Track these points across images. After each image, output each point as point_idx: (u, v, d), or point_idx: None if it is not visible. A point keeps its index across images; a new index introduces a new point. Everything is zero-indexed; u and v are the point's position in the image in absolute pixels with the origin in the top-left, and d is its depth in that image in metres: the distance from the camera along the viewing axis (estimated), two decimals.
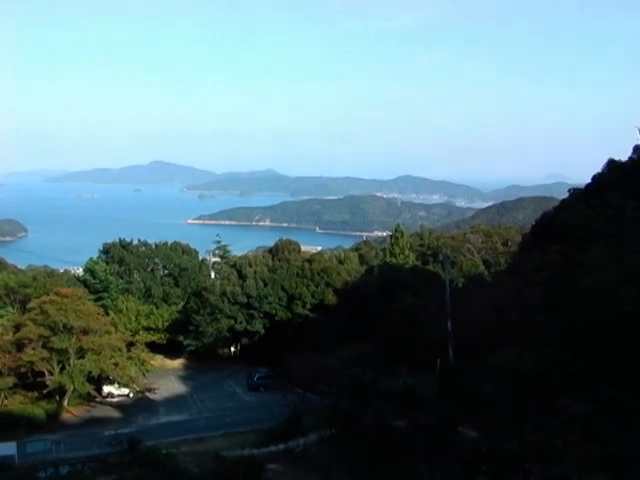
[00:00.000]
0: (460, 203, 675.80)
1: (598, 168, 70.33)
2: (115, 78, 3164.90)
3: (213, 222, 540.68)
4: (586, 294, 39.62)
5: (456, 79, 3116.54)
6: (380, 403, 46.14)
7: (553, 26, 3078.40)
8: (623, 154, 68.17)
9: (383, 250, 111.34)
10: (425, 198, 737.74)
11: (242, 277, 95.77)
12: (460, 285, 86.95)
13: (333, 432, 49.03)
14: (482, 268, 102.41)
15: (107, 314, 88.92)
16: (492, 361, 42.19)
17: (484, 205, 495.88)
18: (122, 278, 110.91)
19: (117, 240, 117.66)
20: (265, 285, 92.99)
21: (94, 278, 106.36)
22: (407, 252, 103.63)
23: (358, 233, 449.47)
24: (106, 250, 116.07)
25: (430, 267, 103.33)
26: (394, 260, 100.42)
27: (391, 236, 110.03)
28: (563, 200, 77.06)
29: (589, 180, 72.28)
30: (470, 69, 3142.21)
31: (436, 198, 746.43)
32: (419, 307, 67.62)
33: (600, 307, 37.98)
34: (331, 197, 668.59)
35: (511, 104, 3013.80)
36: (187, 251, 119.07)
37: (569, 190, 75.88)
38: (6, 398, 72.85)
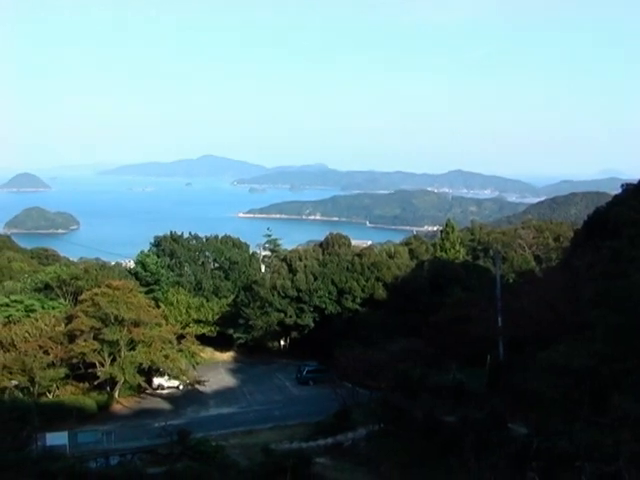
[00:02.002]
0: (511, 198, 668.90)
1: None
2: (167, 73, 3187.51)
3: (263, 216, 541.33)
4: (639, 290, 39.15)
5: (507, 74, 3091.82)
6: (429, 398, 46.05)
7: (606, 19, 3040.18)
8: None
9: (433, 245, 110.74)
10: (476, 193, 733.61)
11: (292, 271, 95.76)
12: (511, 281, 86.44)
13: (382, 427, 49.06)
14: (533, 264, 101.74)
15: (158, 306, 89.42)
16: (543, 357, 41.85)
17: (536, 200, 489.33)
18: (173, 271, 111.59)
19: (168, 233, 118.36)
20: (315, 279, 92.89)
21: (145, 271, 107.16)
22: (458, 247, 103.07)
23: (408, 228, 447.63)
24: (157, 243, 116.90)
25: (481, 262, 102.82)
26: (444, 255, 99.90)
27: (442, 231, 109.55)
28: (616, 196, 76.33)
29: None
30: (521, 63, 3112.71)
31: (487, 193, 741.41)
32: (469, 302, 67.12)
33: None
34: (382, 191, 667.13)
35: (564, 98, 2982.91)
36: (238, 244, 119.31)
37: (622, 185, 75.06)
38: (58, 389, 73.52)
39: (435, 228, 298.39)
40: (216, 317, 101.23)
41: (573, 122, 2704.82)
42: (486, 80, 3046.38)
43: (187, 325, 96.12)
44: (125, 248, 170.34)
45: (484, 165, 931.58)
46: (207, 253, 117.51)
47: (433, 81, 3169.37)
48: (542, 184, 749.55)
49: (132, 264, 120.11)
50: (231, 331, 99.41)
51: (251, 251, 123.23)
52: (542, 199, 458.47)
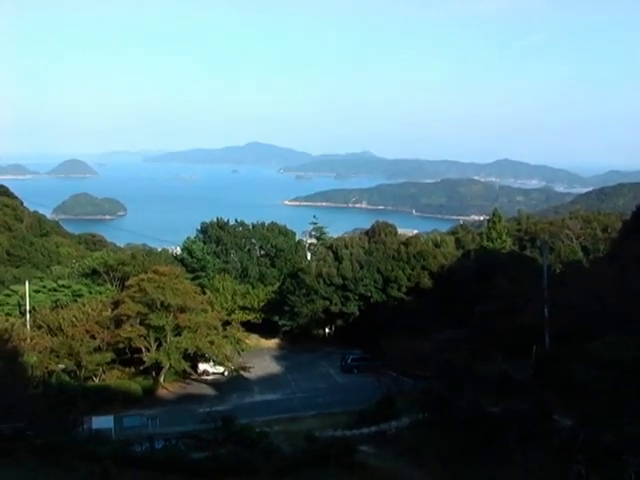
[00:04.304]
0: (559, 188, 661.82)
1: None
2: (214, 60, 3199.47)
3: (309, 203, 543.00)
4: None
5: (553, 63, 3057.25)
6: (474, 388, 45.87)
7: None
8: None
9: (480, 234, 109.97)
10: (523, 182, 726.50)
11: (338, 259, 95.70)
12: (557, 271, 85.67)
13: (426, 416, 48.94)
14: (580, 254, 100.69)
15: (204, 293, 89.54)
16: (590, 349, 41.59)
17: (583, 190, 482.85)
18: (219, 258, 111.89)
19: (214, 220, 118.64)
20: (361, 267, 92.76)
21: (191, 257, 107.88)
22: (504, 237, 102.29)
23: (455, 217, 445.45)
24: (204, 230, 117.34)
25: (527, 252, 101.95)
26: (491, 245, 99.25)
27: (488, 220, 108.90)
28: None
29: None
30: (566, 53, 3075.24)
31: (534, 183, 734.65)
32: (516, 292, 66.76)
33: None
34: (428, 180, 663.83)
35: (610, 87, 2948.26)
36: (283, 232, 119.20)
37: None
38: (104, 373, 74.30)
39: (482, 217, 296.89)
40: (261, 304, 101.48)
41: (620, 112, 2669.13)
42: (532, 69, 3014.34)
43: (232, 312, 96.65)
44: (172, 234, 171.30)
45: (531, 155, 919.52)
46: (253, 240, 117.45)
47: (478, 70, 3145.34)
48: (589, 174, 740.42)
49: (179, 250, 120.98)
50: (276, 318, 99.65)
51: (297, 238, 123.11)
52: (589, 189, 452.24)
